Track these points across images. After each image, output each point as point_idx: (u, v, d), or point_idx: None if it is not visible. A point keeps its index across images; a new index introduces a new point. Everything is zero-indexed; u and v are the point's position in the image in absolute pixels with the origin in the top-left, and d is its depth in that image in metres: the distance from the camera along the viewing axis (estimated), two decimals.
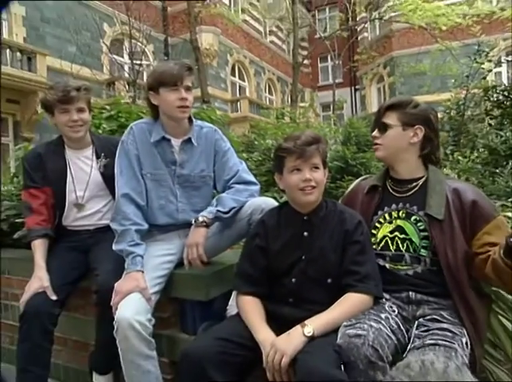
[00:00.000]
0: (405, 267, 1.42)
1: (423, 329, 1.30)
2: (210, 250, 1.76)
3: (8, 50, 9.65)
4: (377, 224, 1.50)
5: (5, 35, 10.38)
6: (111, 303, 1.52)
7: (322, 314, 1.33)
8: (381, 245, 1.47)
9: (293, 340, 1.26)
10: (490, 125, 4.06)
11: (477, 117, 4.45)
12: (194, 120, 1.81)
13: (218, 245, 1.79)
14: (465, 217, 1.37)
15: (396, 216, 1.47)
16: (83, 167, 1.95)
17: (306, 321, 1.30)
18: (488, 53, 4.12)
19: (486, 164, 3.45)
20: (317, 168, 1.44)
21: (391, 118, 1.49)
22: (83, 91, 1.89)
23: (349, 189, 1.78)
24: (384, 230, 1.48)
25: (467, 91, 4.21)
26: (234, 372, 1.30)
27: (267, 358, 1.26)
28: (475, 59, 4.01)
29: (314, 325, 1.29)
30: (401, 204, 1.47)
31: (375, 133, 1.54)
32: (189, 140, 1.77)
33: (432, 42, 12.09)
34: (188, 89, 1.69)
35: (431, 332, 1.27)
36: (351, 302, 1.35)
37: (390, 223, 1.47)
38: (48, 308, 1.67)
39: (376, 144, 1.55)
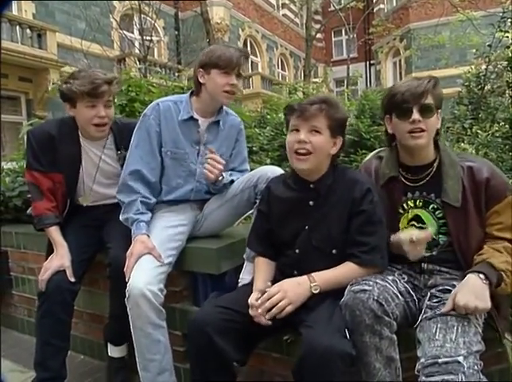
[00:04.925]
0: None
1: (435, 300, 1.28)
2: (221, 220, 1.81)
3: (18, 27, 9.61)
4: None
5: (14, 11, 10.32)
6: (124, 269, 1.53)
7: (328, 272, 1.33)
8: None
9: (302, 293, 1.28)
10: (511, 97, 3.90)
11: (498, 90, 4.27)
12: (224, 106, 1.81)
13: (228, 214, 1.81)
14: (480, 198, 1.33)
15: (412, 205, 1.42)
16: (98, 156, 1.84)
17: (313, 274, 1.31)
18: None
19: (506, 138, 3.31)
20: (317, 131, 1.33)
21: (432, 100, 1.34)
22: (115, 85, 1.75)
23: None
24: (403, 222, 1.43)
25: (488, 61, 4.01)
26: (238, 341, 1.30)
27: (269, 297, 1.27)
28: (498, 26, 3.80)
29: (320, 282, 1.30)
30: (417, 193, 1.41)
31: (417, 116, 1.32)
32: (217, 122, 1.78)
33: (451, 12, 11.53)
34: (238, 76, 1.70)
35: (443, 302, 1.24)
36: (354, 269, 1.33)
37: (407, 212, 1.43)
38: (69, 284, 1.68)
39: (417, 130, 1.33)
